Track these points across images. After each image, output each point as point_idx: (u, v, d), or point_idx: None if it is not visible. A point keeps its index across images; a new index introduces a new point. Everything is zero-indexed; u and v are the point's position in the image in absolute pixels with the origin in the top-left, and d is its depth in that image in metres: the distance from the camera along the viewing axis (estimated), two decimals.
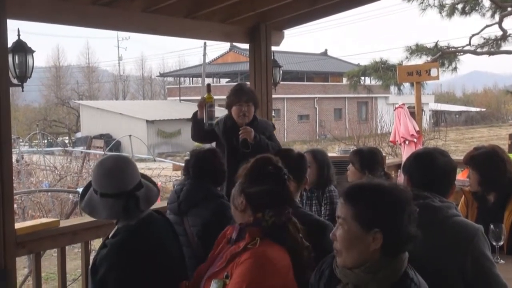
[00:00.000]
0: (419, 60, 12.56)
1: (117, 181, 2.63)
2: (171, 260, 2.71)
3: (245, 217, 2.47)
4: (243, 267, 2.29)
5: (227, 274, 2.33)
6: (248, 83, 5.36)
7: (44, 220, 4.07)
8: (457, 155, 7.49)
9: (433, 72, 7.64)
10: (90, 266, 2.69)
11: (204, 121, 4.31)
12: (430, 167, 2.66)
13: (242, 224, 2.46)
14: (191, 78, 46.37)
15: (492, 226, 3.06)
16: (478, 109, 53.98)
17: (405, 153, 7.20)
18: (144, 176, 2.84)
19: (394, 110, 7.84)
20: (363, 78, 17.47)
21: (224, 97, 4.59)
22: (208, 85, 4.48)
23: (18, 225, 3.43)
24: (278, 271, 2.30)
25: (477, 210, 3.56)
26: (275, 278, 2.28)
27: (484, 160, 3.46)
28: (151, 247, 2.61)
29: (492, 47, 12.85)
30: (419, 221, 2.50)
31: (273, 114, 5.92)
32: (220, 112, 4.48)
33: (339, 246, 2.05)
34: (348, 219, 2.03)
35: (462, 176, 5.13)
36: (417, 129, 7.37)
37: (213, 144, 4.70)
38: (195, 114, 4.45)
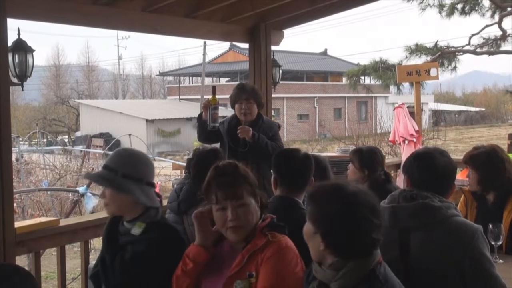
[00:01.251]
0: (418, 60, 12.56)
1: (152, 170, 2.75)
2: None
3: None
4: (274, 264, 2.31)
5: (250, 273, 2.32)
6: (248, 82, 5.37)
7: (43, 219, 4.07)
8: (457, 155, 7.48)
9: (433, 72, 7.63)
10: (119, 261, 2.58)
11: (208, 123, 4.37)
12: (430, 167, 2.65)
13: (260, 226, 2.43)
14: (190, 77, 46.35)
15: (491, 226, 3.06)
16: (477, 109, 54.00)
17: (405, 152, 7.20)
18: None
19: (394, 109, 7.84)
20: (362, 77, 17.49)
21: (224, 96, 4.62)
22: (214, 87, 4.52)
23: (17, 224, 3.43)
24: (298, 257, 2.38)
25: (477, 209, 3.57)
26: (299, 264, 2.36)
27: (483, 159, 3.46)
28: (180, 241, 2.72)
29: (492, 47, 12.85)
30: (419, 221, 2.51)
31: (272, 114, 5.93)
32: (220, 112, 4.51)
33: None
34: (307, 217, 2.09)
35: (461, 175, 5.12)
36: (417, 128, 7.37)
37: (217, 144, 4.71)
38: (200, 115, 4.53)
